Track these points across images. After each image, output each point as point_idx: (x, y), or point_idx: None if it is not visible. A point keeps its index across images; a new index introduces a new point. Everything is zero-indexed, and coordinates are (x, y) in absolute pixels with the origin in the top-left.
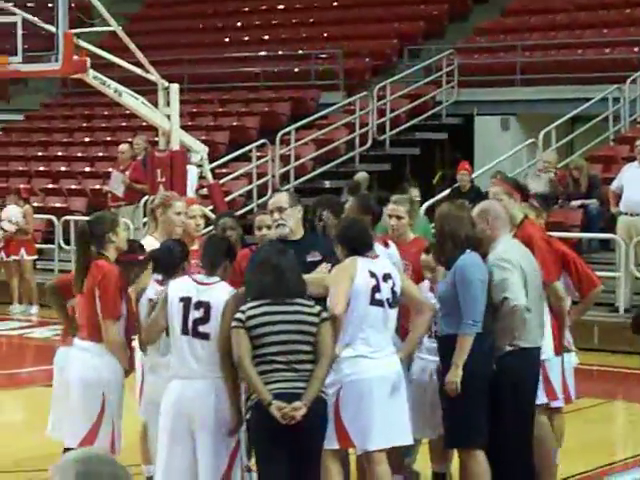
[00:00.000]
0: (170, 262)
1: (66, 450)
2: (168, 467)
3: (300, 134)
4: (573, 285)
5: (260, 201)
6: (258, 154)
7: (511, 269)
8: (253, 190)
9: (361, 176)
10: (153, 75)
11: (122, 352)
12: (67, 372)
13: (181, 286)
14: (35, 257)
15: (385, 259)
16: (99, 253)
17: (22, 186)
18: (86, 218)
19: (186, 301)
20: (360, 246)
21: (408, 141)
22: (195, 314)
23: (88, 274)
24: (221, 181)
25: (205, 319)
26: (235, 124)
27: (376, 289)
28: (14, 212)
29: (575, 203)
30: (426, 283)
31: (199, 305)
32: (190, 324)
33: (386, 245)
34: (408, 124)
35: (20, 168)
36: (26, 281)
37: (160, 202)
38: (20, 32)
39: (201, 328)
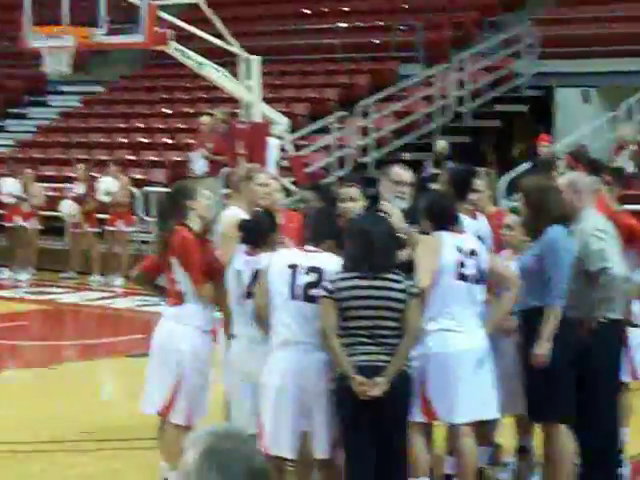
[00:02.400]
0: (260, 232)
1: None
2: (281, 433)
3: (379, 106)
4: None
5: (340, 173)
6: (338, 126)
7: (608, 239)
8: (333, 162)
9: (441, 144)
10: (234, 47)
11: (223, 294)
12: (152, 341)
13: (288, 254)
14: (132, 228)
15: (471, 234)
16: (181, 223)
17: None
18: (167, 190)
19: (293, 268)
20: (446, 220)
21: (488, 113)
22: (306, 278)
23: (168, 243)
24: (301, 153)
25: (317, 283)
26: (315, 96)
27: (462, 264)
28: (110, 184)
29: None
30: (505, 253)
31: (310, 270)
32: (301, 289)
33: (475, 218)
34: (488, 96)
35: (101, 140)
36: (120, 252)
37: (243, 174)
38: (103, 4)
39: (314, 291)
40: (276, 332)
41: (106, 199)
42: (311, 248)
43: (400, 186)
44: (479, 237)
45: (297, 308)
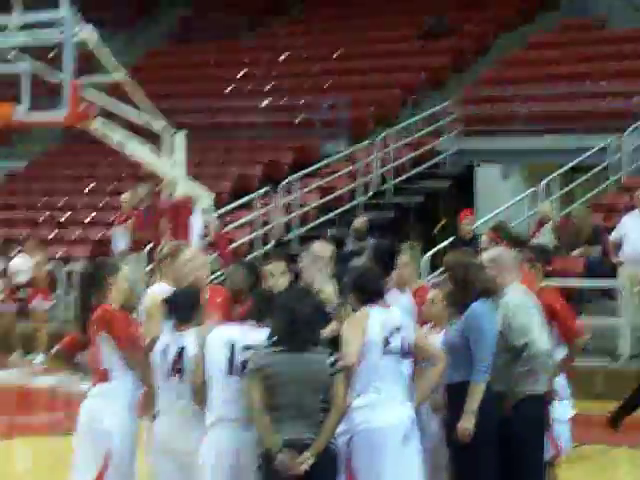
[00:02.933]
0: (186, 308)
1: None
2: None
3: (303, 182)
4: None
5: (264, 249)
6: (261, 202)
7: (531, 314)
8: (257, 238)
9: (359, 221)
10: (158, 123)
11: (148, 370)
12: (78, 421)
13: (226, 331)
14: (51, 304)
15: (397, 309)
16: (102, 298)
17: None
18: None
19: (232, 345)
20: (373, 295)
21: (411, 190)
22: (244, 355)
23: (92, 320)
24: (225, 229)
25: None
26: (238, 173)
27: (388, 340)
28: (21, 263)
29: (577, 252)
30: (426, 327)
31: (247, 348)
32: (237, 366)
33: (401, 292)
34: (410, 173)
35: (23, 216)
36: (39, 329)
37: (168, 252)
38: (27, 81)
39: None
40: (212, 409)
41: (19, 279)
42: (250, 323)
43: (321, 261)
44: (405, 312)
45: (234, 384)
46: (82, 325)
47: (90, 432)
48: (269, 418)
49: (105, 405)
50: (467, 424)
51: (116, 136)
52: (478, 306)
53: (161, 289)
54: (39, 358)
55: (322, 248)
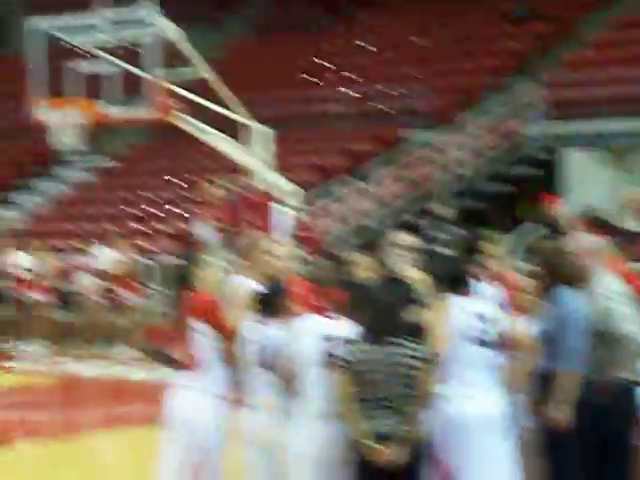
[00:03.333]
0: (272, 302)
1: None
2: None
3: (389, 171)
4: None
5: (351, 240)
6: (347, 192)
7: (623, 301)
8: (344, 229)
9: (445, 209)
10: (243, 117)
11: (238, 363)
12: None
13: (321, 324)
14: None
15: (485, 299)
16: (191, 291)
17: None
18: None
19: (329, 338)
20: (458, 284)
21: (500, 177)
22: (333, 348)
23: (187, 310)
24: (314, 222)
25: None
26: (323, 163)
27: (476, 329)
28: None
29: None
30: (519, 317)
31: (333, 338)
32: (327, 357)
33: (489, 282)
34: (499, 161)
35: (109, 211)
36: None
37: (252, 244)
38: (114, 79)
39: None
40: (302, 401)
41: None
42: (337, 316)
43: (405, 251)
44: (493, 301)
45: (326, 377)
46: (176, 316)
47: (187, 424)
48: (359, 410)
49: (202, 398)
50: (560, 413)
51: (201, 130)
52: (568, 294)
53: (244, 280)
54: (130, 351)
55: (405, 237)
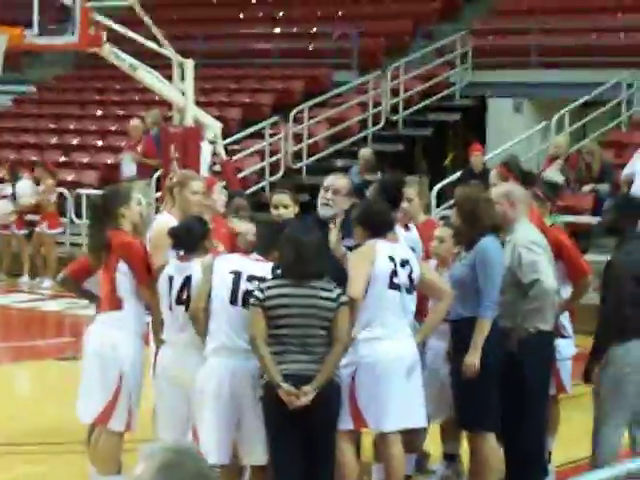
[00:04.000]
0: (192, 239)
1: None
2: (214, 439)
3: (313, 112)
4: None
5: (272, 179)
6: (271, 132)
7: (540, 252)
8: (265, 168)
9: (367, 152)
10: (168, 50)
11: (156, 299)
12: (86, 346)
13: (232, 260)
14: (59, 230)
15: (404, 244)
16: (114, 227)
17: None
18: (98, 192)
19: (236, 274)
20: (380, 228)
21: (421, 122)
22: (248, 285)
23: (108, 248)
24: (233, 158)
25: None
26: (248, 101)
27: (394, 274)
28: (28, 186)
29: (587, 188)
30: (432, 262)
31: (252, 278)
32: (240, 295)
33: (407, 228)
34: (421, 105)
35: (31, 141)
36: (48, 254)
37: (178, 181)
38: (37, 3)
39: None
40: (213, 337)
41: (27, 201)
42: (255, 256)
43: (328, 193)
44: (411, 247)
45: (236, 314)
46: (93, 252)
47: (102, 358)
48: (271, 350)
49: (117, 332)
50: (473, 359)
51: (127, 62)
52: (487, 241)
53: (168, 219)
54: (46, 283)
55: (331, 179)
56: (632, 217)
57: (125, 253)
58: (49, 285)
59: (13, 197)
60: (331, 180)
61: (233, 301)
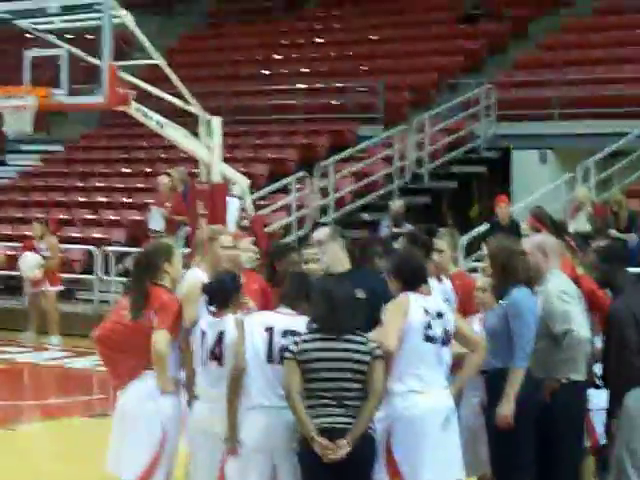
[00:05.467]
0: (224, 294)
1: None
2: None
3: (339, 167)
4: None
5: (299, 233)
6: (297, 186)
7: (573, 302)
8: (292, 222)
9: (397, 204)
10: (194, 107)
11: (163, 365)
12: (125, 404)
13: (263, 317)
14: (60, 288)
15: (438, 296)
16: (154, 283)
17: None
18: (125, 249)
19: (269, 330)
20: (414, 281)
21: (446, 175)
22: (283, 341)
23: (146, 303)
24: (260, 213)
25: None
26: (274, 156)
27: (429, 326)
28: (32, 259)
29: (612, 231)
30: (477, 317)
31: (286, 333)
32: (276, 352)
33: (439, 280)
34: (446, 157)
35: (59, 199)
36: (49, 312)
37: (207, 236)
38: (66, 65)
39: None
40: (249, 395)
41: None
42: (286, 310)
43: (317, 247)
44: (445, 299)
45: (274, 371)
46: (134, 307)
47: (142, 413)
48: (306, 403)
49: (156, 388)
50: (506, 410)
51: (154, 119)
52: (519, 292)
53: (198, 274)
54: (54, 340)
55: (315, 234)
56: (618, 264)
57: (160, 309)
58: (57, 342)
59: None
60: (313, 235)
61: (269, 358)
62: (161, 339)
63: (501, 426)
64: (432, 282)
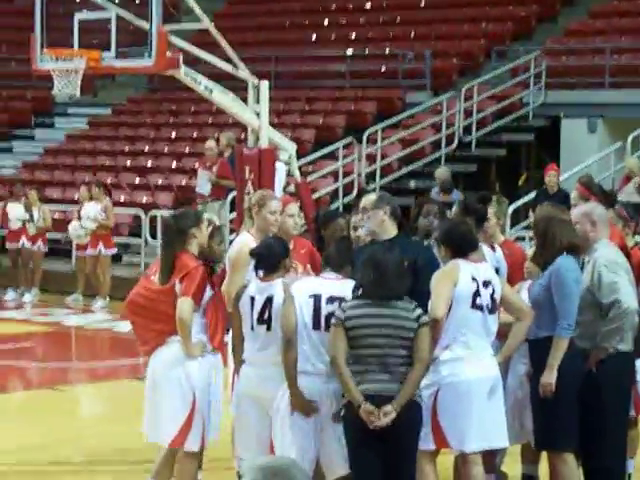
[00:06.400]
0: (272, 259)
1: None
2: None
3: (386, 133)
4: None
5: (346, 200)
6: (344, 152)
7: (621, 272)
8: (339, 189)
9: (443, 172)
10: (243, 72)
11: (187, 332)
12: (154, 371)
13: (309, 283)
14: (114, 251)
15: (487, 264)
16: (182, 249)
17: (107, 180)
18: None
19: (316, 297)
20: (464, 248)
21: (494, 142)
22: (329, 308)
23: (174, 269)
24: (307, 179)
25: None
26: (322, 122)
27: (477, 294)
28: (93, 209)
29: None
30: (525, 285)
31: (333, 299)
32: (323, 319)
33: (493, 248)
34: (494, 125)
35: (107, 162)
36: (101, 275)
37: (256, 201)
38: (114, 28)
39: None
40: (306, 360)
41: (89, 225)
42: (331, 275)
43: (359, 215)
44: (496, 267)
45: (319, 338)
46: (162, 272)
47: (171, 379)
48: (352, 369)
49: (182, 353)
50: (549, 379)
51: (202, 84)
52: (563, 261)
53: (247, 239)
54: (99, 303)
55: (362, 200)
56: None
57: (186, 277)
58: (102, 305)
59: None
60: (360, 203)
61: (316, 325)
62: (185, 307)
63: (544, 394)
64: (486, 250)
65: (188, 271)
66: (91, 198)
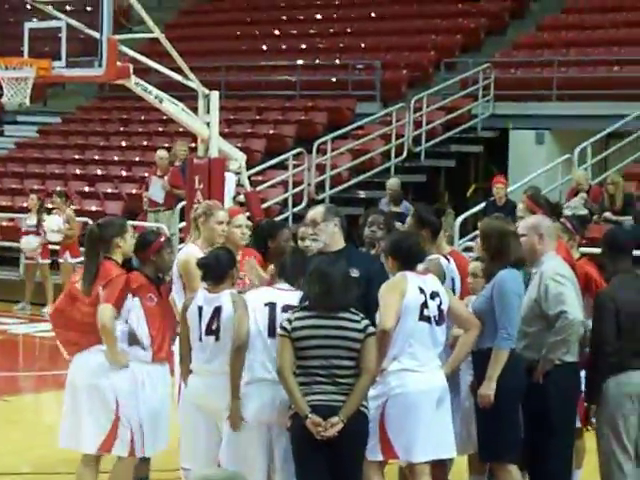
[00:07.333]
0: (220, 270)
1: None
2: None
3: (336, 144)
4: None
5: (295, 210)
6: (294, 163)
7: (567, 284)
8: (289, 199)
9: (393, 182)
10: (193, 82)
11: (111, 339)
12: (76, 378)
13: (264, 293)
14: (80, 259)
15: (432, 276)
16: (106, 257)
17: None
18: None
19: (271, 306)
20: (411, 260)
21: (443, 153)
22: (284, 316)
23: (97, 276)
24: (257, 189)
25: None
26: (271, 132)
27: (425, 305)
28: (56, 222)
29: (607, 214)
30: (472, 298)
31: (287, 308)
32: (278, 327)
33: (447, 259)
34: (444, 136)
35: (57, 171)
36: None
37: (202, 211)
38: (64, 36)
39: None
40: (251, 369)
41: (55, 237)
42: (285, 286)
43: (309, 228)
44: (452, 278)
45: (274, 345)
46: (85, 280)
47: (94, 388)
48: (299, 380)
49: (105, 362)
50: (487, 390)
51: (153, 94)
52: (505, 273)
53: (193, 249)
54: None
55: (309, 213)
56: (616, 252)
57: (108, 284)
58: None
59: (37, 230)
60: (308, 214)
61: (271, 333)
62: (107, 313)
63: (482, 406)
64: (443, 261)
65: (110, 279)
66: (46, 208)
